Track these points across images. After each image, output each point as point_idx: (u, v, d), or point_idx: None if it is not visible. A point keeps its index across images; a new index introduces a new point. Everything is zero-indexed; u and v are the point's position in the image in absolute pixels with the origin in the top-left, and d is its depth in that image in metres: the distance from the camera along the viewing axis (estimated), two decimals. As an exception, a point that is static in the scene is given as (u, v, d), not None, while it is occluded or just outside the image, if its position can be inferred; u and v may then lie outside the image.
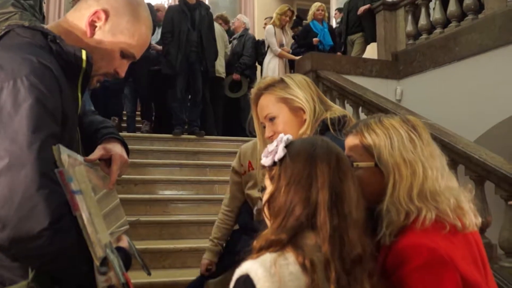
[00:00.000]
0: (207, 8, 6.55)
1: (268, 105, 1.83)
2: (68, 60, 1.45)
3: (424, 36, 6.02)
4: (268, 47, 6.96)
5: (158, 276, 3.49)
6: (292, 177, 1.20)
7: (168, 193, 4.94)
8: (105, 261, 1.34)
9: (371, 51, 7.13)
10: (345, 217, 1.16)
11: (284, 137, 1.26)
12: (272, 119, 1.82)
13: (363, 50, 7.20)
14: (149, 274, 1.66)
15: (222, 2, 12.12)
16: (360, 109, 5.18)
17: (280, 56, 6.84)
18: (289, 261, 1.11)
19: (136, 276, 1.62)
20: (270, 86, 1.85)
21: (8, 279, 1.31)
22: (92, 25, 1.49)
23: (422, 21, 6.03)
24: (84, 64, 1.47)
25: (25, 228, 1.21)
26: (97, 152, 1.60)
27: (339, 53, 7.42)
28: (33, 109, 1.29)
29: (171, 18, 6.27)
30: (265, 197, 1.25)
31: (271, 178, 1.25)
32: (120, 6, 1.53)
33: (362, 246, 1.15)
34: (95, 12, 1.49)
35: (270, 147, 1.26)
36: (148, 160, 5.17)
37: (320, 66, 6.05)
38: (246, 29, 7.66)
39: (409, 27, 6.24)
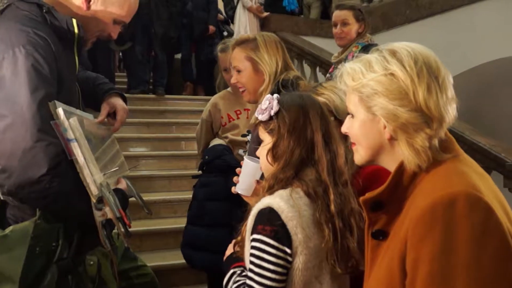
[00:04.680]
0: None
1: (237, 58, 2.19)
2: (62, 29, 1.68)
3: (378, -1, 6.33)
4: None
5: (134, 226, 3.72)
6: (291, 125, 1.45)
7: (138, 149, 5.12)
8: (101, 198, 1.61)
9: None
10: (334, 151, 1.46)
11: (274, 95, 1.50)
12: (238, 71, 2.18)
13: (319, 14, 7.34)
14: (149, 213, 1.94)
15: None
16: (317, 68, 5.48)
17: (249, 10, 6.64)
18: (301, 195, 1.40)
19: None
20: (244, 42, 2.19)
21: (20, 217, 1.59)
22: (87, 0, 1.72)
23: (377, -16, 6.33)
24: (76, 31, 1.70)
25: (27, 175, 1.48)
26: (104, 111, 1.89)
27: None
28: (30, 74, 1.53)
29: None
30: (268, 146, 1.49)
31: (270, 131, 1.49)
32: None
33: (347, 173, 1.47)
34: None
35: (263, 105, 1.50)
36: (116, 119, 5.30)
37: (279, 27, 6.30)
38: None
39: (364, -10, 6.52)
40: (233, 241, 1.58)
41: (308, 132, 1.45)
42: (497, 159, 3.38)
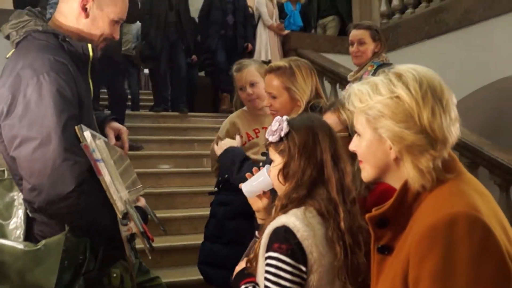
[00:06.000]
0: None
1: (273, 85, 2.23)
2: (78, 55, 1.80)
3: (397, 15, 6.35)
4: (259, 18, 6.80)
5: (156, 242, 3.78)
6: (301, 146, 1.50)
7: (161, 166, 5.20)
8: (126, 214, 1.71)
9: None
10: (342, 170, 1.51)
11: (283, 117, 1.56)
12: (273, 97, 2.23)
13: (336, 33, 7.19)
14: (164, 230, 2.03)
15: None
16: (337, 85, 5.52)
17: (270, 28, 6.71)
18: (314, 214, 1.46)
19: (138, 242, 1.93)
20: (281, 69, 2.23)
21: (49, 233, 1.69)
22: (84, 8, 1.82)
23: (395, 1, 6.35)
24: (91, 56, 1.82)
25: (56, 192, 1.59)
26: (111, 136, 2.02)
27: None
28: (55, 98, 1.64)
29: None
30: (278, 167, 1.54)
31: (280, 152, 1.54)
32: None
33: (354, 191, 1.52)
34: None
35: (273, 127, 1.55)
36: (140, 136, 5.40)
37: (299, 44, 6.39)
38: None
39: (383, 7, 6.55)
40: (245, 258, 1.62)
41: (318, 152, 1.51)
42: (516, 174, 3.37)
